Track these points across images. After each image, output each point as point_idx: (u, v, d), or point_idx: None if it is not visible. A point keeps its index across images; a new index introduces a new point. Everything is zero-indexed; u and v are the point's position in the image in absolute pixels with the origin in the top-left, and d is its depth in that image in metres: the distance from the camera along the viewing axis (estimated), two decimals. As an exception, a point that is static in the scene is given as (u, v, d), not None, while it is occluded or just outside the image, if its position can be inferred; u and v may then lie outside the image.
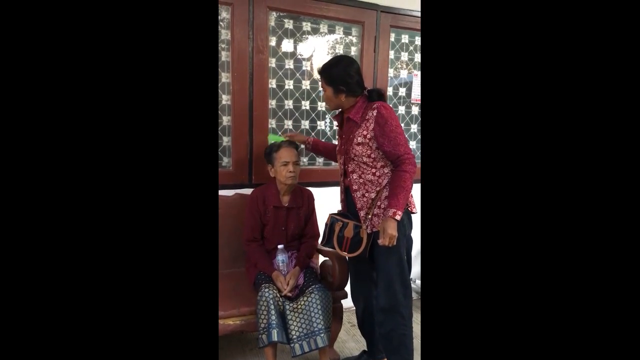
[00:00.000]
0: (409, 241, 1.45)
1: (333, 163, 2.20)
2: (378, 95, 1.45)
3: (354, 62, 1.46)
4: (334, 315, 1.60)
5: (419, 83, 2.34)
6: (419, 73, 2.34)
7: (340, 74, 1.42)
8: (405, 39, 2.28)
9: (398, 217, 1.31)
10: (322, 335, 1.45)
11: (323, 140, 2.15)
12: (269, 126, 2.02)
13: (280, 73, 2.02)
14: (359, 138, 1.40)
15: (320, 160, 2.18)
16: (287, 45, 2.02)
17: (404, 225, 1.38)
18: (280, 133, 2.01)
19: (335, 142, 2.17)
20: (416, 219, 1.49)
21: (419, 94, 2.34)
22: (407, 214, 1.41)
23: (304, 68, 2.06)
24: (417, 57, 2.34)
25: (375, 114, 1.37)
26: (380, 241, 1.32)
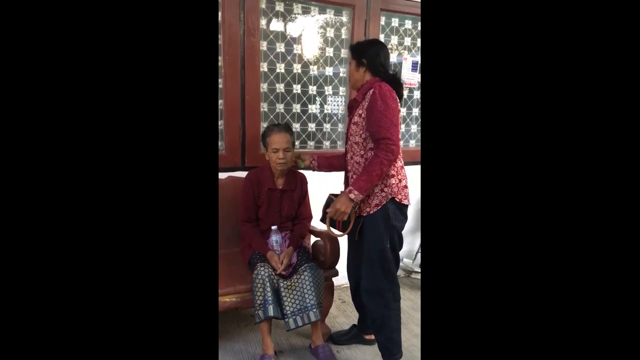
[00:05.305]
0: (397, 232, 1.44)
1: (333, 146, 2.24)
2: (394, 80, 1.43)
3: (386, 47, 1.49)
4: (326, 292, 1.68)
5: (409, 66, 2.37)
6: (408, 56, 2.37)
7: (366, 49, 1.45)
8: (395, 22, 2.30)
9: (352, 196, 1.30)
10: (315, 310, 1.53)
11: (313, 124, 2.19)
12: (261, 110, 2.04)
13: (272, 56, 2.03)
14: (355, 117, 1.41)
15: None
16: (278, 28, 2.02)
17: (389, 216, 1.38)
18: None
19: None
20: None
21: (409, 78, 2.38)
22: (396, 204, 1.40)
23: (295, 51, 2.07)
24: (407, 41, 2.36)
25: (371, 93, 1.36)
26: (328, 210, 1.37)
